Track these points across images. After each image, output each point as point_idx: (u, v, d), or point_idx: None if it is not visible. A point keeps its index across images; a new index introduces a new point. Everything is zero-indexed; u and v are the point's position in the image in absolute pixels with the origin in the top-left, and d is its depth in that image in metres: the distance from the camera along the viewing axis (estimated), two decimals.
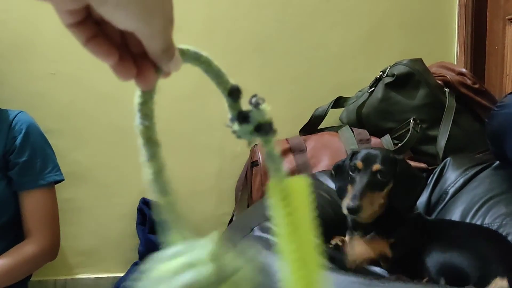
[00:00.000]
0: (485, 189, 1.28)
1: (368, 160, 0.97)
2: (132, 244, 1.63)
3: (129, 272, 1.58)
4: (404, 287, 0.77)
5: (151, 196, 0.40)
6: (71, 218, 1.59)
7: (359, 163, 0.97)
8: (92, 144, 1.62)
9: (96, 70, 1.51)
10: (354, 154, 1.02)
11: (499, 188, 1.27)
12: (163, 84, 0.42)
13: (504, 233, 1.08)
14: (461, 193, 1.32)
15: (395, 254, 0.96)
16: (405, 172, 0.99)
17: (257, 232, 1.08)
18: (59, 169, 1.34)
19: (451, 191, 1.35)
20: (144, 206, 1.62)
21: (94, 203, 1.62)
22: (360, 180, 0.95)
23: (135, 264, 1.61)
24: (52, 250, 1.31)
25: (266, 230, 1.09)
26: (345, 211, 0.95)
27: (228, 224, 1.64)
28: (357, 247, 0.96)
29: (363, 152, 1.00)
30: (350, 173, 0.99)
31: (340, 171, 1.06)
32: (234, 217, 1.66)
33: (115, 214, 1.64)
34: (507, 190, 1.26)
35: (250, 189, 1.64)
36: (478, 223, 1.18)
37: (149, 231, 1.59)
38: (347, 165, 1.01)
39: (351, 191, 0.96)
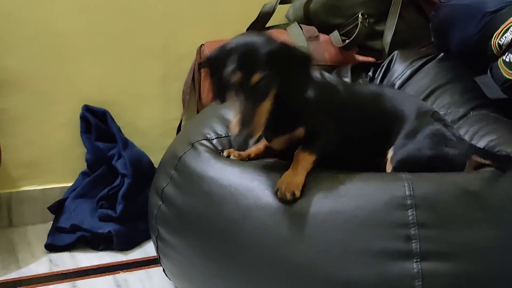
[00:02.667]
0: (431, 80, 1.33)
1: (245, 67, 0.82)
2: (77, 153, 1.57)
3: (78, 181, 1.54)
4: None
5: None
6: (8, 129, 1.49)
7: (236, 76, 0.82)
8: (23, 49, 1.49)
9: None
10: (225, 52, 0.85)
11: (444, 79, 1.31)
12: None
13: (449, 120, 1.13)
14: (407, 85, 1.36)
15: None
16: (289, 60, 0.86)
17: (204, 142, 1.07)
18: None
19: (398, 83, 1.38)
20: (88, 114, 1.54)
21: (32, 112, 1.52)
22: (243, 101, 0.82)
23: (83, 173, 1.57)
24: None
25: (213, 140, 1.09)
26: (235, 141, 0.91)
27: (177, 131, 1.61)
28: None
29: (236, 53, 0.83)
30: (227, 80, 0.84)
31: (215, 69, 0.89)
32: (182, 123, 1.63)
33: (56, 123, 1.56)
34: (451, 80, 1.31)
35: (198, 92, 1.61)
36: None
37: (95, 139, 1.53)
38: (224, 70, 0.84)
39: (237, 113, 0.83)
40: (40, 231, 1.48)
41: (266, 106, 0.84)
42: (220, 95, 0.90)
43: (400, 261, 0.77)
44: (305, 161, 0.89)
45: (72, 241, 1.36)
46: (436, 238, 0.78)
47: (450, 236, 0.78)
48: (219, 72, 0.86)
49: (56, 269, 1.27)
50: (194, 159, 1.03)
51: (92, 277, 1.22)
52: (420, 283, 0.75)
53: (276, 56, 0.84)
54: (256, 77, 0.82)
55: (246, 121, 0.81)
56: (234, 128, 0.82)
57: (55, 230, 1.41)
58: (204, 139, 1.09)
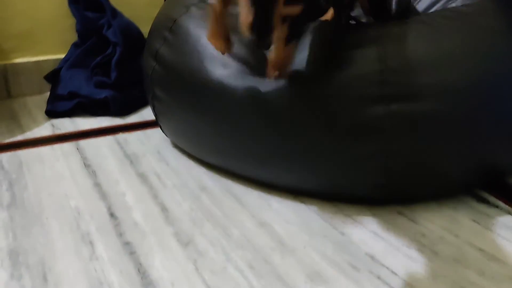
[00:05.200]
0: None
1: None
2: (67, 24, 1.59)
3: (70, 52, 1.57)
4: None
5: None
6: None
7: None
8: None
9: None
10: None
11: None
12: None
13: None
14: None
15: None
16: None
17: (200, 5, 1.08)
18: None
19: None
20: None
21: None
22: None
23: (75, 44, 1.59)
24: None
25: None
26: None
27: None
28: None
29: None
30: None
31: None
32: None
33: None
34: None
35: None
36: None
37: (84, 8, 1.53)
38: None
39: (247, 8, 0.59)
40: (39, 100, 1.54)
41: None
42: None
43: (373, 104, 0.84)
44: None
45: (70, 107, 1.42)
46: (405, 82, 0.85)
47: (417, 80, 0.85)
48: None
49: (58, 132, 1.35)
50: (190, 21, 1.06)
51: (94, 138, 1.30)
52: (389, 121, 0.84)
53: None
54: None
55: (261, 28, 0.58)
56: (246, 33, 0.61)
57: (54, 98, 1.47)
58: (201, 1, 1.11)
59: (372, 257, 0.82)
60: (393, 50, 0.85)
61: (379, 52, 0.85)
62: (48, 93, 1.52)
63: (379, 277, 0.77)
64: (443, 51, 0.86)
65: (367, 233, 0.89)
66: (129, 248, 0.85)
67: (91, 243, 0.87)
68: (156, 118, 1.20)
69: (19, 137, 1.31)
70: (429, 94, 0.84)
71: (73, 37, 1.59)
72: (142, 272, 0.80)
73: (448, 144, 0.87)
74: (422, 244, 0.85)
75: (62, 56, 1.59)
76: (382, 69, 0.84)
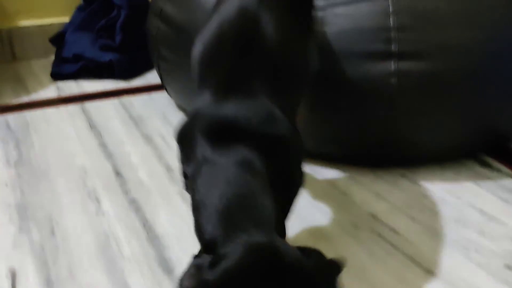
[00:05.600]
0: None
1: None
2: None
3: (74, 16, 1.56)
4: None
5: None
6: None
7: None
8: None
9: None
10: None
11: None
12: None
13: None
14: None
15: None
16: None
17: None
18: None
19: None
20: None
21: None
22: None
23: (79, 8, 1.58)
24: None
25: None
26: None
27: None
28: None
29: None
30: None
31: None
32: None
33: None
34: None
35: None
36: None
37: None
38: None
39: None
40: (44, 63, 1.54)
41: None
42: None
43: (380, 61, 0.84)
44: None
45: (75, 69, 1.42)
46: (413, 40, 0.84)
47: (425, 38, 0.84)
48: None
49: (63, 94, 1.35)
50: None
51: (99, 100, 1.30)
52: (396, 79, 0.83)
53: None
54: None
55: None
56: None
57: (59, 60, 1.47)
58: None
59: (373, 217, 0.83)
60: (403, 6, 0.84)
61: (387, 8, 0.84)
62: (53, 56, 1.52)
63: (380, 235, 0.79)
64: (453, 9, 0.85)
65: (369, 194, 0.90)
66: (134, 205, 0.87)
67: (97, 199, 0.89)
68: (161, 79, 1.20)
69: (25, 99, 1.32)
70: (438, 52, 0.83)
71: (77, 0, 1.58)
72: (147, 227, 0.81)
73: (454, 104, 0.87)
74: (424, 205, 0.86)
75: (67, 19, 1.58)
76: (390, 26, 0.84)
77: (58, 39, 1.51)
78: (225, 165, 0.52)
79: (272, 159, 0.54)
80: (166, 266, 0.72)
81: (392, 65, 0.83)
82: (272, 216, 0.50)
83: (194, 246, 0.75)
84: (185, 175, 0.65)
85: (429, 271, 0.71)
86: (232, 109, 0.56)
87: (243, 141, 0.54)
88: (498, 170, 0.97)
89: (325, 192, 0.91)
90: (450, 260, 0.73)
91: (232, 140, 0.54)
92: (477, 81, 0.86)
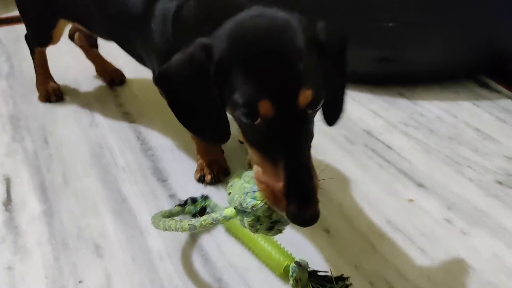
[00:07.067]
0: None
1: (281, 87, 0.46)
2: None
3: None
4: None
5: None
6: None
7: (264, 106, 0.46)
8: None
9: None
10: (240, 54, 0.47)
11: None
12: None
13: None
14: None
15: None
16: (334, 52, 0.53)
17: None
18: None
19: None
20: None
21: None
22: (289, 150, 0.49)
23: None
24: None
25: None
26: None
27: None
28: None
29: (252, 49, 0.46)
30: (243, 119, 0.48)
31: (190, 84, 0.52)
32: None
33: None
34: None
35: None
36: None
37: None
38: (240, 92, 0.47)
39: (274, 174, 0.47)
40: None
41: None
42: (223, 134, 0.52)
43: None
44: None
45: None
46: None
47: None
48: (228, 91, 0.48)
49: None
50: None
51: None
52: None
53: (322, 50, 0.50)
54: (304, 98, 0.47)
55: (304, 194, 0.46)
56: (280, 203, 0.47)
57: None
58: None
59: (368, 133, 0.83)
60: None
61: None
62: None
63: (373, 150, 0.79)
64: None
65: (365, 111, 0.89)
66: (128, 118, 0.86)
67: (90, 112, 0.88)
68: None
69: (16, 13, 1.27)
70: None
71: None
72: (141, 139, 0.81)
73: (455, 21, 0.85)
74: (420, 123, 0.86)
75: None
76: None
77: None
78: None
79: None
80: (159, 175, 0.72)
81: None
82: None
83: (187, 158, 0.75)
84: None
85: (421, 185, 0.71)
86: None
87: None
88: (497, 91, 0.96)
89: None
90: (442, 175, 0.73)
91: None
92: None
